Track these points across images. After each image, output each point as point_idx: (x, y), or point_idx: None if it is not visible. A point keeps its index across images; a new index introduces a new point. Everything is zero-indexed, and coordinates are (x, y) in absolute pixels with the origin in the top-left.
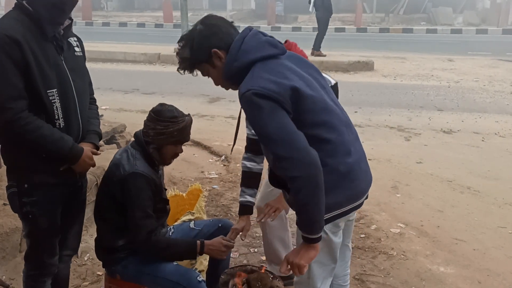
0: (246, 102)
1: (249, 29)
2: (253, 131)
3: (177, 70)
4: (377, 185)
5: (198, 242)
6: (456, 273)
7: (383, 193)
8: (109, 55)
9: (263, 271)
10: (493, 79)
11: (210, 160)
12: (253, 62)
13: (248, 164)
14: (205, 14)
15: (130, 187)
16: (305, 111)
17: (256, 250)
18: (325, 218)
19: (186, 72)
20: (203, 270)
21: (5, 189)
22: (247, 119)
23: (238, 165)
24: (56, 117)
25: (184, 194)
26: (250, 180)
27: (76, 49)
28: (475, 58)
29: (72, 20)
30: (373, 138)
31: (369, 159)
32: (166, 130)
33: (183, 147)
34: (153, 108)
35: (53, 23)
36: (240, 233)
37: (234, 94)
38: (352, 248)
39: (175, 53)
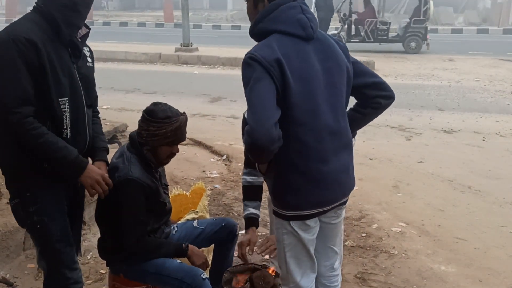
0: (243, 63)
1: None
2: None
3: None
4: (378, 185)
5: (184, 245)
6: (457, 272)
7: (384, 193)
8: (110, 54)
9: (271, 271)
10: (494, 78)
11: (212, 159)
12: (274, 32)
13: (249, 178)
14: (206, 13)
15: (123, 194)
16: (291, 103)
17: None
18: (288, 215)
19: None
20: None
21: (9, 200)
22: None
23: (239, 164)
24: (64, 126)
25: (187, 193)
26: (252, 193)
27: (89, 59)
28: (476, 58)
29: (89, 29)
30: (374, 137)
31: (370, 159)
32: (159, 132)
33: (184, 147)
34: (146, 108)
35: (69, 25)
36: (248, 247)
37: (235, 93)
38: (353, 247)
39: None
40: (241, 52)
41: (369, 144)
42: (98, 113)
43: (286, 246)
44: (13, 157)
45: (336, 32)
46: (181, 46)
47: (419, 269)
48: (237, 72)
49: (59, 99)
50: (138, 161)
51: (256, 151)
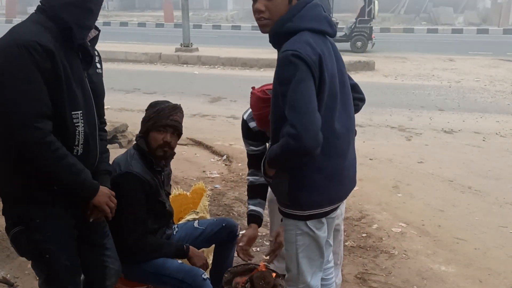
0: (284, 59)
1: None
2: (252, 147)
3: None
4: (378, 185)
5: (185, 246)
6: (457, 272)
7: (385, 193)
8: (110, 54)
9: (262, 267)
10: (494, 79)
11: (212, 159)
12: (304, 30)
13: (251, 178)
14: (206, 13)
15: (123, 189)
16: (322, 101)
17: (258, 249)
18: (307, 214)
19: None
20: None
21: (6, 229)
22: (278, 78)
23: (239, 164)
24: (76, 143)
25: (187, 193)
26: (253, 191)
27: (98, 65)
28: (476, 58)
29: (99, 31)
30: (374, 138)
31: (370, 159)
32: (146, 115)
33: (184, 147)
34: None
35: (81, 27)
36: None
37: (235, 93)
38: (354, 247)
39: None
40: (241, 52)
41: (369, 144)
42: (105, 124)
43: (299, 247)
44: (17, 181)
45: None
46: (181, 46)
47: (419, 269)
48: (237, 72)
49: (73, 113)
50: (139, 157)
51: (301, 155)
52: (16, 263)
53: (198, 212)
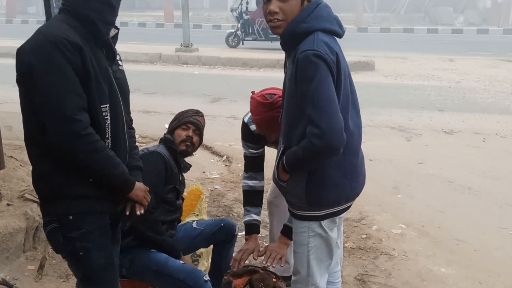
0: (305, 59)
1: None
2: (251, 150)
3: None
4: (378, 186)
5: (180, 252)
6: (457, 274)
7: (384, 194)
8: None
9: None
10: (494, 79)
11: (212, 160)
12: (318, 30)
13: (250, 183)
14: (206, 13)
15: (147, 162)
16: (339, 99)
17: None
18: (323, 214)
19: None
20: (204, 271)
21: (42, 226)
22: (297, 78)
23: (239, 165)
24: (106, 136)
25: (184, 194)
26: (253, 198)
27: (120, 62)
28: (476, 58)
29: (118, 29)
30: (374, 138)
31: (370, 159)
32: (173, 119)
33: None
34: None
35: (106, 23)
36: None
37: (235, 94)
38: (353, 248)
39: None
40: (241, 52)
41: (369, 144)
42: (132, 121)
43: (311, 248)
44: (53, 177)
45: (233, 31)
46: (181, 46)
47: (419, 271)
48: (237, 72)
49: (102, 106)
50: (166, 148)
51: (327, 154)
52: (15, 265)
53: (198, 215)
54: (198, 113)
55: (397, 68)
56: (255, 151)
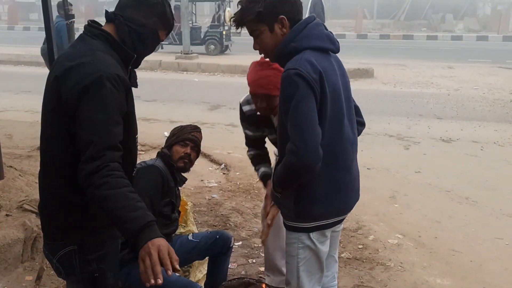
0: (286, 78)
1: (313, 17)
2: (247, 131)
3: (230, 19)
4: (375, 195)
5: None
6: (452, 285)
7: (382, 203)
8: None
9: (263, 286)
10: (492, 87)
11: (210, 168)
12: (307, 48)
13: (253, 152)
14: (206, 20)
15: (144, 175)
16: (325, 116)
17: (254, 261)
18: (311, 226)
19: (236, 25)
20: (198, 281)
21: (49, 250)
22: (281, 96)
23: (237, 173)
24: (136, 164)
25: None
26: (259, 158)
27: None
28: (475, 66)
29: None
30: (372, 146)
31: (367, 168)
32: (170, 133)
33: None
34: None
35: (143, 56)
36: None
37: (234, 101)
38: (350, 259)
39: (237, 2)
40: (240, 59)
41: (367, 153)
42: None
43: (300, 260)
44: (87, 209)
45: None
46: (181, 53)
47: (415, 282)
48: (236, 79)
49: (136, 136)
50: (162, 162)
51: (302, 171)
52: (13, 275)
53: (184, 226)
54: (196, 129)
55: (396, 75)
56: (250, 133)
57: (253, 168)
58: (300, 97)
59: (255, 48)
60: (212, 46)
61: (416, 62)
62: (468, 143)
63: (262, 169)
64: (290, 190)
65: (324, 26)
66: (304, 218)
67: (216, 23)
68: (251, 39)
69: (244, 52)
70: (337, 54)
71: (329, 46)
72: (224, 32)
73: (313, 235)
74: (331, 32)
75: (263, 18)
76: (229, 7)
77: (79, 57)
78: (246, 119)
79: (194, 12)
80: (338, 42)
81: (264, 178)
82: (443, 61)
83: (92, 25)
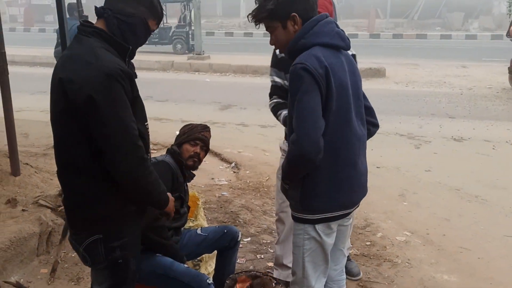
0: (293, 72)
1: (326, 15)
2: (274, 77)
3: (248, 16)
4: (384, 193)
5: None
6: (459, 282)
7: (390, 201)
8: None
9: (270, 278)
10: (507, 85)
11: (221, 167)
12: (316, 45)
13: (276, 100)
14: (219, 20)
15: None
16: (331, 111)
17: (262, 256)
18: (316, 218)
19: (254, 21)
20: (208, 274)
21: (75, 240)
22: (289, 89)
23: (247, 172)
24: (149, 151)
25: None
26: (283, 106)
27: None
28: (489, 65)
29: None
30: (382, 146)
31: (377, 167)
32: (180, 131)
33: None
34: None
35: (139, 45)
36: None
37: (245, 101)
38: (357, 255)
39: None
40: (252, 59)
41: (377, 152)
42: None
43: (306, 251)
44: (107, 199)
45: None
46: (193, 54)
47: (422, 278)
48: (248, 79)
49: (145, 124)
50: (172, 158)
51: (303, 161)
52: (29, 268)
53: (194, 220)
54: (205, 128)
55: (409, 75)
56: (278, 80)
57: (274, 117)
58: (305, 90)
59: (271, 43)
60: (179, 46)
61: (429, 61)
62: (479, 142)
63: (285, 112)
64: (297, 183)
65: (336, 24)
66: (309, 211)
67: (182, 23)
68: (222, 39)
69: (214, 51)
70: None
71: (338, 43)
72: (190, 32)
73: (318, 227)
74: (342, 30)
75: (276, 16)
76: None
77: (80, 57)
78: (278, 62)
79: (165, 13)
80: (349, 39)
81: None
82: (456, 60)
83: (85, 24)
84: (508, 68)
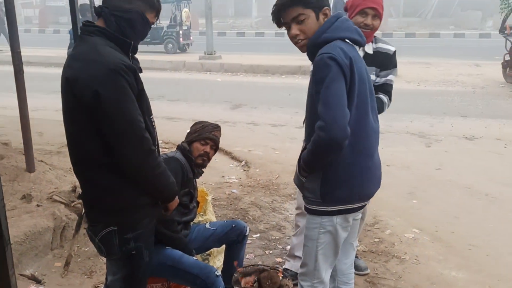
0: (319, 61)
1: (342, 13)
2: None
3: (273, 6)
4: (394, 191)
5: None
6: (467, 278)
7: (400, 199)
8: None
9: (279, 273)
10: None
11: (231, 165)
12: (337, 39)
13: None
14: (231, 21)
15: (166, 166)
16: (352, 102)
17: (271, 252)
18: (335, 210)
19: (280, 8)
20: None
21: (92, 231)
22: (314, 78)
23: (257, 170)
24: (156, 143)
25: None
26: None
27: None
28: None
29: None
30: (393, 144)
31: (387, 165)
32: (191, 130)
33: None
34: None
35: (141, 38)
36: None
37: (256, 100)
38: (365, 251)
39: None
40: (263, 59)
41: (388, 150)
42: None
43: (320, 244)
44: (120, 191)
45: None
46: (204, 54)
47: (430, 274)
48: (259, 79)
49: (150, 117)
50: (182, 155)
51: (330, 146)
52: (43, 262)
53: (202, 215)
54: (216, 128)
55: (421, 73)
56: None
57: None
58: (332, 78)
59: (293, 34)
60: (170, 45)
61: (441, 60)
62: (491, 141)
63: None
64: (316, 174)
65: (351, 22)
66: (330, 201)
67: (172, 23)
68: (233, 39)
69: (226, 51)
70: None
71: (357, 38)
72: (181, 32)
73: (337, 220)
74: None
75: (310, 4)
76: (187, 8)
77: (84, 55)
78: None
79: None
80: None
81: None
82: (470, 59)
83: (86, 25)
84: (502, 63)
